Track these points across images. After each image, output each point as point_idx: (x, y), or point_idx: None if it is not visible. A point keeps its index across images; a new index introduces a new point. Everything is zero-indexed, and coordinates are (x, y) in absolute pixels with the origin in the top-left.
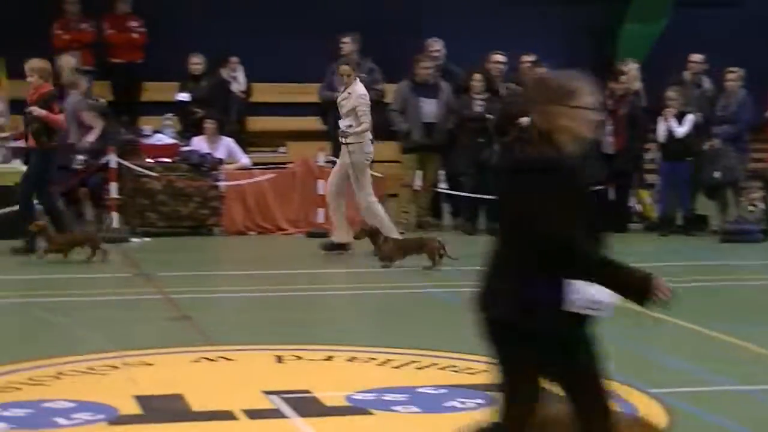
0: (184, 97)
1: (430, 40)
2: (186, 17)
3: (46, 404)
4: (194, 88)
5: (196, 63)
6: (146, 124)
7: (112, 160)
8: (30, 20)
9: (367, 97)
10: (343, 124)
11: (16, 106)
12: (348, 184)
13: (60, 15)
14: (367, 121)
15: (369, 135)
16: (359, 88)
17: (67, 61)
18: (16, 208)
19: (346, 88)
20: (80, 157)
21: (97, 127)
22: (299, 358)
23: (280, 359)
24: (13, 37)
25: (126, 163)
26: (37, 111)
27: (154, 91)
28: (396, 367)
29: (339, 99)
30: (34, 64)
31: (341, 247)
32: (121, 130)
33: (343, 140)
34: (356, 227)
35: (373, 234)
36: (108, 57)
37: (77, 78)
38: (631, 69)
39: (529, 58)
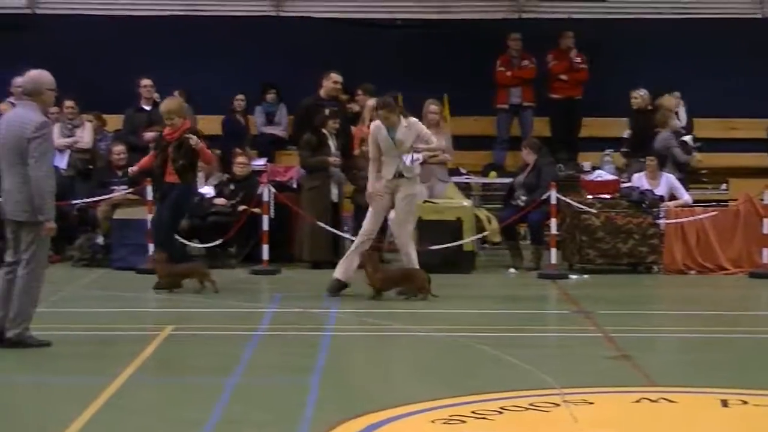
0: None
1: None
2: (628, 51)
3: None
4: (633, 124)
5: (635, 98)
6: (585, 160)
7: (553, 195)
8: (472, 57)
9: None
10: (407, 159)
11: (459, 142)
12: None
13: (502, 52)
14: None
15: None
16: (412, 119)
17: (669, 102)
18: (456, 243)
19: (398, 125)
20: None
21: (531, 162)
22: (745, 402)
23: (725, 403)
24: (455, 74)
25: (566, 199)
26: (194, 140)
27: (593, 126)
28: None
29: (397, 136)
30: (169, 106)
31: None
32: (560, 166)
33: (409, 175)
34: None
35: (367, 262)
36: (548, 93)
37: (670, 117)
38: None
39: None
